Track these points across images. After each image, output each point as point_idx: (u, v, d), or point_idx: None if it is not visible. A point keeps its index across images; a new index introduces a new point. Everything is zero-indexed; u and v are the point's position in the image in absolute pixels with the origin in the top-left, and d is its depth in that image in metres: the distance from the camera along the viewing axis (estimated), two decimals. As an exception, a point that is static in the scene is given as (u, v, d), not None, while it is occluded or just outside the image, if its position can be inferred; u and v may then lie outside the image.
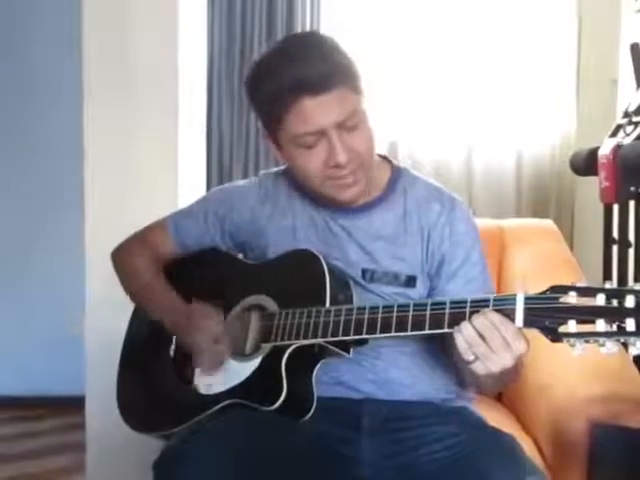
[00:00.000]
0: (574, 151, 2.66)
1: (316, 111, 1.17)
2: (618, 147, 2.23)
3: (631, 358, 1.99)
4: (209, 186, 2.81)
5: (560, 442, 1.45)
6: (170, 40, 2.19)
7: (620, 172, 2.21)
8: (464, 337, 1.04)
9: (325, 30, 2.95)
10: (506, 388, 1.35)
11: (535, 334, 1.02)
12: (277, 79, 1.18)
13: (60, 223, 3.11)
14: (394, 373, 1.28)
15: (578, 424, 1.42)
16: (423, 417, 1.24)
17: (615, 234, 2.33)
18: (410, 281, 1.27)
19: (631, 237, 2.25)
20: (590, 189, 2.51)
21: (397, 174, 1.35)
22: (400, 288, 1.27)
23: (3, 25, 3.27)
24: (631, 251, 2.25)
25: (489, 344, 1.03)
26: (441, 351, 1.28)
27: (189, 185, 2.32)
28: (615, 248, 2.32)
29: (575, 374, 1.58)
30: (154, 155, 2.21)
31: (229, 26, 2.98)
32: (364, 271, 1.28)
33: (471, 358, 1.05)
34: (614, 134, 2.32)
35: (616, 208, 2.32)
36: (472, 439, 1.17)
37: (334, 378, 1.27)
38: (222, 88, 2.98)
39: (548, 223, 2.18)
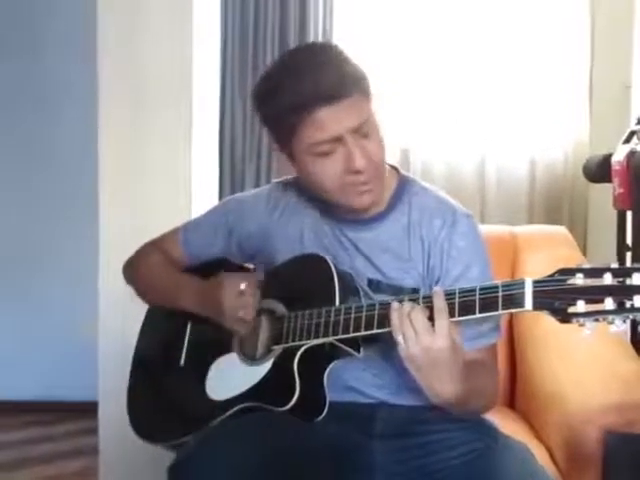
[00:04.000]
0: (587, 157, 2.65)
1: (332, 119, 1.17)
2: (632, 154, 2.22)
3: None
4: (221, 189, 2.83)
5: (574, 450, 1.45)
6: (184, 45, 2.20)
7: (634, 178, 2.21)
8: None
9: (337, 35, 2.97)
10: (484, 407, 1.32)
11: (551, 330, 1.02)
12: (289, 93, 1.18)
13: (74, 228, 3.14)
14: (405, 378, 1.27)
15: (592, 432, 1.41)
16: (435, 423, 1.24)
17: (629, 241, 2.32)
18: (414, 294, 1.25)
19: (645, 244, 2.25)
20: (603, 195, 2.51)
21: (403, 185, 1.34)
22: None
23: (17, 28, 3.30)
24: (645, 258, 2.24)
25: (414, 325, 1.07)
26: None
27: (202, 188, 2.33)
28: (629, 255, 2.31)
29: (589, 381, 1.58)
30: (167, 159, 2.22)
31: (242, 29, 2.99)
32: (370, 281, 1.29)
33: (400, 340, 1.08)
34: (628, 140, 2.31)
35: (629, 215, 2.31)
36: (485, 447, 1.17)
37: (345, 384, 1.27)
38: (235, 92, 3.00)
39: (561, 229, 2.18)
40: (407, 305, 1.10)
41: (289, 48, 2.86)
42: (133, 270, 1.50)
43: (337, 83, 1.17)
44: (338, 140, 1.19)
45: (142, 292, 1.48)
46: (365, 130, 1.20)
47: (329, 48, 1.27)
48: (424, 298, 1.12)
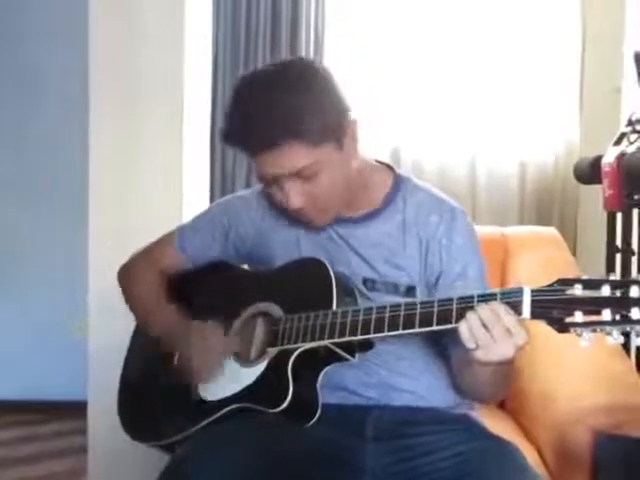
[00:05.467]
0: (578, 159, 2.66)
1: (267, 163, 1.20)
2: (622, 155, 2.23)
3: (633, 348, 2.00)
4: (212, 191, 2.82)
5: (563, 451, 1.45)
6: (176, 45, 2.19)
7: (624, 180, 2.21)
8: (467, 325, 1.06)
9: (328, 33, 2.96)
10: (503, 396, 1.36)
11: (541, 330, 1.03)
12: (231, 135, 1.23)
13: (64, 226, 3.12)
14: (397, 380, 1.28)
15: (582, 433, 1.42)
16: (426, 424, 1.24)
17: (618, 242, 2.33)
18: (410, 291, 1.27)
19: (634, 245, 2.25)
20: (594, 197, 2.51)
21: (398, 183, 1.34)
22: (400, 298, 1.26)
23: (10, 26, 3.28)
24: (634, 259, 2.25)
25: (491, 332, 1.04)
26: (443, 359, 1.29)
27: (193, 188, 2.32)
28: (618, 256, 2.32)
29: (579, 383, 1.58)
30: (158, 159, 2.21)
31: (233, 30, 2.99)
32: (365, 280, 1.29)
33: (473, 346, 1.06)
34: (618, 142, 2.32)
35: (619, 216, 2.32)
36: (475, 448, 1.17)
37: (337, 384, 1.27)
38: (226, 92, 2.99)
39: (551, 231, 2.19)
40: (496, 306, 1.05)
41: (278, 51, 2.88)
42: (126, 284, 1.50)
43: (268, 135, 1.16)
44: (277, 179, 1.22)
45: (130, 307, 1.48)
46: (307, 174, 1.20)
47: (283, 87, 1.19)
48: (422, 303, 1.12)
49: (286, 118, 1.15)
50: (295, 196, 1.21)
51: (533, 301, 1.04)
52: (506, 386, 1.25)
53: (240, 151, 1.26)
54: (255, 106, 1.18)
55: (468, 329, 1.06)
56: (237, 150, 1.28)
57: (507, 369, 1.14)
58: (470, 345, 1.06)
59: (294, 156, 1.17)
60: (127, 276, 1.50)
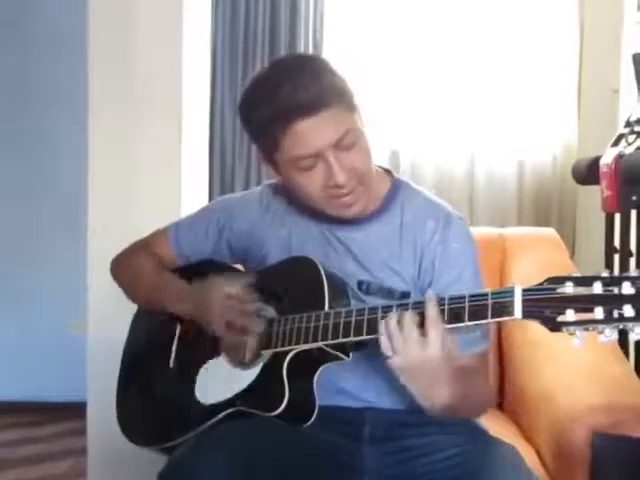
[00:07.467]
0: (576, 160, 2.67)
1: (311, 133, 1.17)
2: (620, 156, 2.23)
3: (632, 346, 2.00)
4: (211, 192, 2.82)
5: (562, 451, 1.46)
6: (174, 47, 2.20)
7: (622, 181, 2.22)
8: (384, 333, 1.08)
9: (327, 37, 2.97)
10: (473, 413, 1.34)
11: (539, 330, 1.02)
12: (268, 105, 1.19)
13: (63, 226, 3.13)
14: (394, 381, 1.28)
15: (580, 433, 1.42)
16: (424, 426, 1.24)
17: (616, 243, 2.34)
18: (404, 296, 1.27)
19: (632, 246, 2.26)
20: (592, 198, 2.52)
21: (396, 188, 1.35)
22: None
23: (7, 26, 3.29)
24: (632, 260, 2.25)
25: (404, 337, 1.06)
26: None
27: (191, 189, 2.33)
28: (616, 257, 2.32)
29: (577, 383, 1.59)
30: (157, 160, 2.22)
31: (232, 33, 2.99)
32: (360, 283, 1.29)
33: (389, 353, 1.07)
34: (616, 143, 2.32)
35: (618, 217, 2.33)
36: (472, 449, 1.17)
37: (335, 386, 1.27)
38: (225, 95, 3.00)
39: (550, 232, 2.19)
40: (394, 315, 1.08)
41: (277, 54, 2.88)
42: (119, 267, 1.50)
43: (315, 95, 1.16)
44: (319, 155, 1.19)
45: (127, 290, 1.47)
46: (347, 142, 1.20)
47: (311, 60, 1.27)
48: (414, 304, 1.11)
49: (331, 83, 1.19)
50: (340, 169, 1.19)
51: (524, 300, 1.03)
52: (474, 404, 1.24)
53: (277, 123, 1.17)
54: (305, 72, 1.19)
55: (385, 337, 1.08)
56: (272, 123, 1.18)
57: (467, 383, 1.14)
58: (387, 352, 1.08)
59: (340, 119, 1.18)
60: (120, 261, 1.50)
